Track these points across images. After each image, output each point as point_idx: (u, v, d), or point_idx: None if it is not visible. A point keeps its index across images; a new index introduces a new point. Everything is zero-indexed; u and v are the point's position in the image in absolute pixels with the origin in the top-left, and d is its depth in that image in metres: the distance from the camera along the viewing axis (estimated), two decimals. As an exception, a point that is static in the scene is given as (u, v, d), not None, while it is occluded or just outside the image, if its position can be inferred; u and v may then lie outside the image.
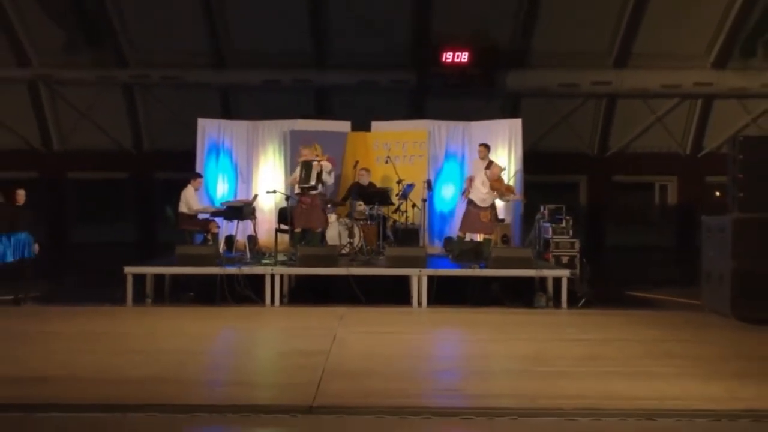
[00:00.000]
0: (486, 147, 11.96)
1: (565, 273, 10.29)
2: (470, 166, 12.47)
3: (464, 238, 11.71)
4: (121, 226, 15.91)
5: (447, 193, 13.41)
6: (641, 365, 6.71)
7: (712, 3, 14.10)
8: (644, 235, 16.29)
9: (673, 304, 10.67)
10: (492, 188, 11.45)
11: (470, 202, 11.62)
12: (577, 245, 11.35)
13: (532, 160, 13.22)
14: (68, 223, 16.26)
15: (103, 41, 14.48)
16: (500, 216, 12.45)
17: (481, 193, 11.48)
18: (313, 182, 11.43)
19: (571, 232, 11.51)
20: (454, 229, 12.64)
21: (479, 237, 11.67)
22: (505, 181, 11.95)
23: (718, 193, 14.85)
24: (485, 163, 11.70)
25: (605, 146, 16.01)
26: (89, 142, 15.83)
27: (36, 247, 10.47)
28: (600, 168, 16.06)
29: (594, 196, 16.21)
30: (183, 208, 11.79)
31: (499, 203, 12.10)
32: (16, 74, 15.01)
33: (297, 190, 11.65)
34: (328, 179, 11.76)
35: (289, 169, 12.82)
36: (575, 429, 4.96)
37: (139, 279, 10.23)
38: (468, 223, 11.65)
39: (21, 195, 10.51)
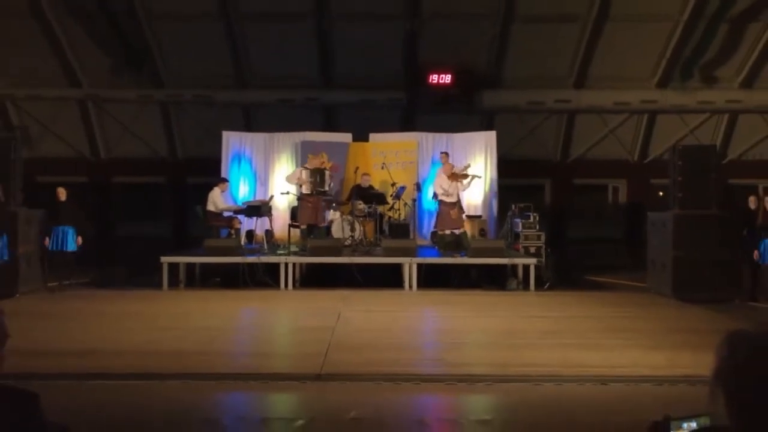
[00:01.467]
0: (446, 154, 12.16)
1: (532, 261, 10.26)
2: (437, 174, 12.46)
3: (442, 234, 11.73)
4: (158, 222, 15.85)
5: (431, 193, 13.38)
6: (596, 338, 6.70)
7: (655, 33, 14.09)
8: (599, 229, 16.29)
9: (624, 287, 10.62)
10: (450, 180, 11.54)
11: (441, 203, 11.69)
12: (543, 237, 11.31)
13: (504, 166, 13.19)
14: (113, 220, 16.20)
15: (142, 66, 14.42)
16: (477, 213, 12.47)
17: (444, 191, 11.55)
18: (327, 188, 11.48)
19: (537, 227, 11.47)
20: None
21: (457, 231, 11.70)
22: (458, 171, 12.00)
23: (661, 193, 14.84)
24: (451, 167, 11.87)
25: (567, 154, 15.99)
26: (131, 151, 15.76)
27: (79, 240, 10.09)
28: (562, 172, 16.04)
29: (557, 196, 16.19)
30: (210, 207, 11.75)
31: (474, 200, 12.17)
32: (69, 94, 14.94)
33: (305, 190, 11.61)
34: (332, 183, 11.86)
35: (301, 173, 12.77)
36: (540, 392, 4.96)
37: (173, 267, 10.19)
38: (440, 221, 11.76)
39: (62, 192, 10.14)
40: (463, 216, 11.85)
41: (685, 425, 1.49)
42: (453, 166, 11.96)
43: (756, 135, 16.10)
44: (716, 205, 9.37)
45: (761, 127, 16.03)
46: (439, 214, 11.82)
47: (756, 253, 8.58)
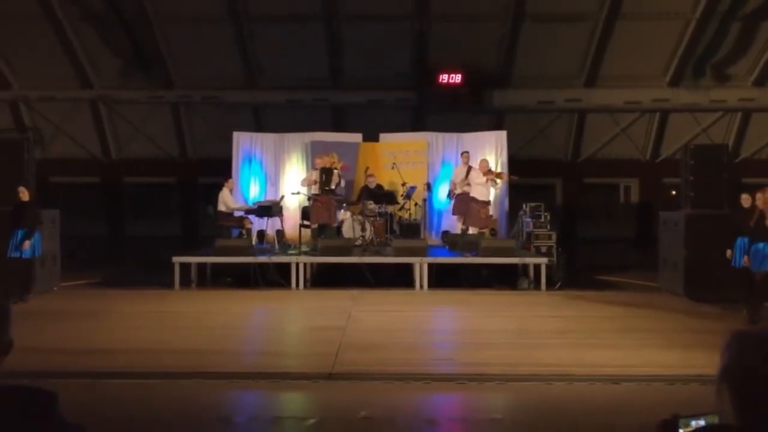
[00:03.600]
0: (467, 154, 12.16)
1: (543, 260, 10.24)
2: (455, 171, 12.47)
3: (467, 230, 11.70)
4: (169, 222, 15.95)
5: (443, 193, 13.39)
6: (607, 337, 6.69)
7: (667, 31, 14.01)
8: (610, 228, 16.21)
9: (635, 286, 10.56)
10: (487, 176, 11.55)
11: (472, 200, 11.59)
12: (554, 237, 11.28)
13: (514, 166, 13.18)
14: (125, 220, 16.33)
15: (153, 67, 14.53)
16: (489, 213, 12.46)
17: (479, 186, 11.52)
18: (333, 186, 11.51)
19: (548, 226, 11.44)
20: (450, 224, 12.65)
21: (476, 230, 11.70)
22: (493, 169, 12.03)
23: (673, 193, 14.77)
24: (466, 167, 11.86)
25: (577, 153, 15.94)
26: (142, 151, 15.88)
27: (26, 245, 8.55)
28: (573, 172, 16.00)
29: (568, 196, 16.15)
30: (221, 207, 11.80)
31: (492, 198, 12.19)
32: (81, 95, 15.08)
33: (315, 191, 11.66)
34: (342, 183, 11.88)
35: (310, 174, 12.82)
36: (551, 392, 4.95)
37: (185, 267, 10.24)
38: (470, 218, 11.66)
39: (24, 192, 8.73)
40: (491, 218, 11.85)
41: (693, 423, 1.50)
42: (487, 161, 12.00)
43: (769, 134, 15.98)
44: (728, 204, 9.31)
45: (775, 125, 15.91)
46: (469, 211, 11.66)
47: (729, 252, 7.96)
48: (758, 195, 7.37)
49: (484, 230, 11.66)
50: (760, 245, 7.23)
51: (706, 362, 5.26)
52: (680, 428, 1.49)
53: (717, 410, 1.46)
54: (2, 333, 1.69)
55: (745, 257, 7.66)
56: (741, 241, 7.85)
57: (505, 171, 12.48)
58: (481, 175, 11.56)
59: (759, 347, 1.37)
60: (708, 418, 1.51)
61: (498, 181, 11.86)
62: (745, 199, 8.05)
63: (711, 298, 8.51)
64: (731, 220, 8.38)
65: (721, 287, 8.26)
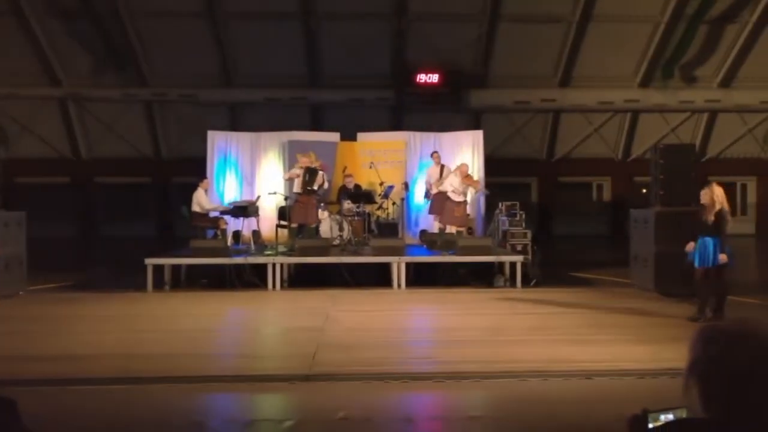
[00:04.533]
0: (438, 153, 12.26)
1: (519, 258, 10.32)
2: (428, 172, 12.55)
3: (444, 229, 11.79)
4: (142, 223, 15.76)
5: (420, 194, 13.44)
6: (581, 333, 6.76)
7: (637, 34, 14.27)
8: (584, 226, 16.44)
9: (608, 282, 10.70)
10: (465, 181, 11.63)
11: (448, 199, 11.71)
12: (530, 235, 11.36)
13: (491, 165, 13.28)
14: (97, 221, 16.08)
15: (126, 64, 14.33)
16: (466, 212, 12.54)
17: (455, 189, 11.64)
18: (315, 187, 11.49)
19: (524, 224, 11.53)
20: (427, 223, 12.70)
21: (453, 229, 11.78)
22: (474, 177, 12.13)
23: (643, 191, 15.04)
24: (439, 167, 11.94)
25: (552, 152, 16.15)
26: (114, 151, 15.67)
27: None
28: (548, 171, 16.19)
29: (543, 194, 16.35)
30: (196, 207, 11.67)
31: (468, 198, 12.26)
32: (49, 93, 14.81)
33: (297, 190, 11.62)
34: (325, 185, 11.86)
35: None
36: (526, 388, 5.00)
37: (159, 269, 10.04)
38: (446, 216, 11.79)
39: None
40: (467, 216, 11.94)
41: (662, 417, 1.54)
42: (467, 166, 12.12)
43: (734, 134, 16.36)
44: (696, 202, 9.48)
45: (739, 125, 16.29)
46: (446, 209, 11.81)
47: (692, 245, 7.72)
48: (704, 191, 7.37)
49: (461, 229, 11.74)
50: (707, 239, 7.23)
51: (675, 356, 5.38)
52: (650, 423, 1.52)
53: (685, 404, 1.50)
54: None
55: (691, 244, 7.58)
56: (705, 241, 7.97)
57: (482, 179, 12.61)
58: (459, 179, 11.64)
59: (725, 342, 1.40)
60: (677, 412, 1.54)
61: (472, 190, 11.96)
62: (705, 195, 8.09)
63: (680, 294, 8.66)
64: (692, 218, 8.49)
65: (690, 283, 8.40)
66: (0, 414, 1.59)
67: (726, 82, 15.15)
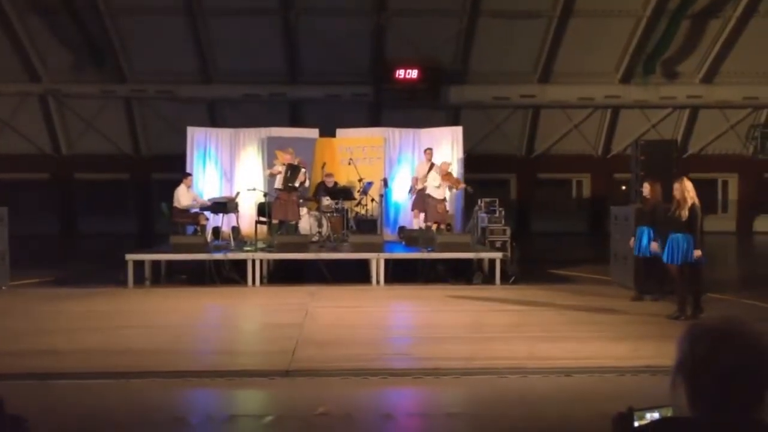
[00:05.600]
0: (431, 151, 12.17)
1: (498, 255, 10.34)
2: (417, 168, 12.58)
3: (428, 226, 11.79)
4: (122, 219, 15.57)
5: (402, 188, 13.43)
6: (561, 330, 6.78)
7: (618, 29, 14.35)
8: (563, 223, 16.53)
9: (587, 279, 10.73)
10: (444, 180, 11.62)
11: (428, 196, 11.72)
12: (509, 232, 11.39)
13: (470, 161, 13.30)
14: (77, 217, 15.87)
15: (105, 61, 14.14)
16: (446, 208, 12.56)
17: (435, 187, 11.63)
18: (297, 184, 11.44)
19: (503, 221, 11.57)
20: (406, 220, 12.71)
21: (434, 226, 11.80)
22: (454, 175, 12.14)
23: (623, 188, 15.16)
24: (429, 164, 11.94)
25: (531, 149, 16.22)
26: (94, 147, 15.47)
27: None
28: (527, 167, 16.26)
29: (522, 191, 16.43)
30: (176, 203, 11.58)
31: (440, 196, 12.26)
32: (29, 89, 14.59)
33: (278, 186, 11.57)
34: (306, 182, 11.82)
35: (267, 169, 12.69)
36: (506, 385, 5.00)
37: (139, 264, 9.98)
38: (430, 213, 11.83)
39: None
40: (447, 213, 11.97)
41: (648, 416, 1.52)
42: (449, 164, 12.18)
43: (716, 130, 16.53)
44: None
45: (721, 121, 16.47)
46: (428, 207, 11.89)
47: (632, 240, 8.19)
48: (675, 185, 7.27)
49: (441, 225, 11.78)
50: (679, 236, 7.15)
51: (656, 353, 5.42)
52: (635, 421, 1.51)
53: (672, 403, 1.48)
54: None
55: (654, 244, 7.74)
56: (641, 231, 8.12)
57: (461, 175, 12.64)
58: (439, 177, 11.67)
59: (711, 340, 1.38)
60: (663, 410, 1.53)
61: (453, 189, 11.98)
62: (644, 188, 8.29)
63: (660, 291, 8.73)
64: (636, 210, 8.57)
65: (669, 280, 8.47)
66: None
67: (708, 78, 15.28)
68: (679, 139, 15.46)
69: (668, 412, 1.52)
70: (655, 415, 1.52)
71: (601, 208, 14.91)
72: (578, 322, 7.25)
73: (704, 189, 16.61)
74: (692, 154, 16.40)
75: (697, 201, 7.17)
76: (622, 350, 5.85)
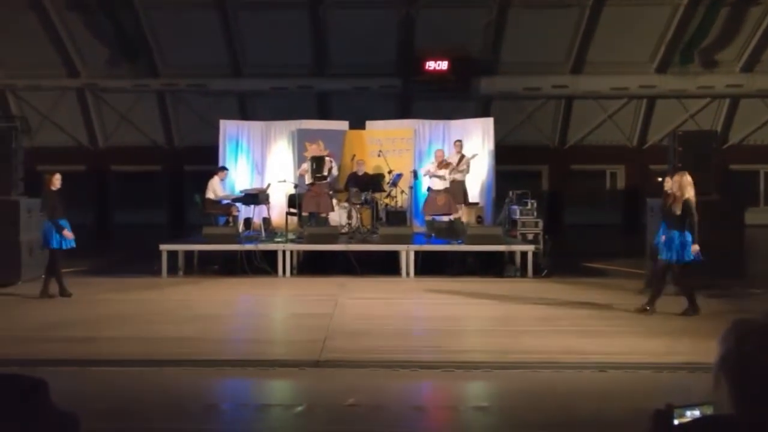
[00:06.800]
0: (460, 142, 12.13)
1: (530, 248, 10.23)
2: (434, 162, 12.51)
3: (430, 219, 11.77)
4: (156, 210, 15.80)
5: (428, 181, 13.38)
6: (594, 325, 6.68)
7: (654, 17, 13.99)
8: (597, 215, 16.24)
9: (621, 273, 10.56)
10: (440, 169, 11.55)
11: (428, 189, 11.80)
12: (541, 224, 11.25)
13: (501, 153, 13.13)
14: (112, 208, 16.19)
15: (139, 56, 14.36)
16: (474, 200, 12.44)
17: (434, 179, 11.65)
18: (325, 173, 11.49)
19: (535, 213, 11.42)
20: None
21: (464, 217, 11.74)
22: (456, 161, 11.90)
23: (659, 179, 14.83)
24: (459, 156, 11.86)
25: (564, 140, 15.95)
26: (128, 140, 15.72)
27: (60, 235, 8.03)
28: (559, 158, 16.01)
29: (555, 182, 16.18)
30: (209, 194, 11.73)
31: (471, 187, 12.19)
32: (67, 84, 14.91)
33: (308, 180, 11.63)
34: (334, 171, 11.83)
35: (297, 161, 12.73)
36: (538, 379, 4.94)
37: (172, 255, 10.15)
38: (426, 205, 11.83)
39: (58, 179, 8.24)
40: (455, 203, 11.80)
41: (688, 413, 1.46)
42: (441, 150, 12.15)
43: (757, 119, 16.03)
44: (717, 191, 9.31)
45: (762, 111, 15.96)
46: (426, 200, 11.96)
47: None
48: (675, 178, 7.08)
49: (453, 216, 11.68)
50: (675, 233, 6.93)
51: (692, 349, 5.29)
52: (675, 418, 1.45)
53: (713, 400, 1.43)
54: None
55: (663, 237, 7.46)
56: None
57: (491, 167, 12.52)
58: (435, 166, 11.65)
59: (758, 337, 1.33)
60: (703, 408, 1.47)
61: (458, 168, 11.68)
62: (666, 182, 7.96)
63: (697, 286, 8.52)
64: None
65: (708, 274, 8.26)
66: (32, 394, 1.61)
67: (748, 67, 14.81)
68: (719, 129, 15.02)
69: (709, 410, 1.46)
70: (696, 413, 1.46)
71: (636, 200, 14.61)
72: (612, 316, 7.12)
73: (746, 180, 16.18)
74: (732, 145, 15.95)
75: (692, 197, 6.89)
76: (657, 346, 5.73)
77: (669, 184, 7.71)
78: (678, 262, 6.98)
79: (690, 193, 6.93)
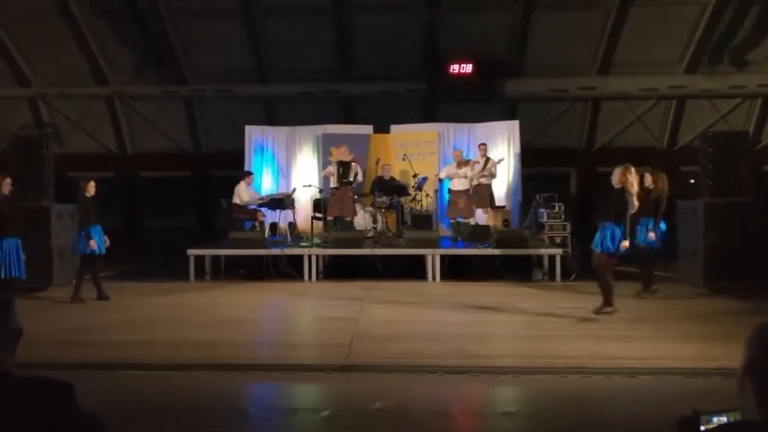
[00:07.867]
0: (485, 146, 12.07)
1: (558, 251, 10.13)
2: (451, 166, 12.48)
3: (454, 221, 11.76)
4: (183, 215, 16.00)
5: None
6: (624, 329, 6.58)
7: (683, 16, 13.76)
8: (626, 218, 15.97)
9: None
10: (459, 167, 11.58)
11: (449, 191, 11.83)
12: (569, 227, 11.16)
13: (528, 156, 13.03)
14: (141, 213, 16.43)
15: (166, 62, 14.56)
16: (501, 203, 12.36)
17: (455, 180, 11.67)
18: (351, 178, 11.54)
19: (563, 216, 11.33)
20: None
21: (490, 221, 11.69)
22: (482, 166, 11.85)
23: (691, 181, 14.56)
24: (484, 159, 11.82)
25: (592, 142, 15.75)
26: (156, 146, 15.94)
27: (92, 244, 8.23)
28: (587, 161, 15.80)
29: (582, 185, 15.98)
30: (236, 199, 11.86)
31: (498, 190, 12.12)
32: (96, 91, 15.19)
33: (334, 184, 11.69)
34: (359, 177, 11.89)
35: (322, 165, 12.82)
36: (566, 385, 4.88)
37: (200, 259, 10.28)
38: (448, 208, 11.89)
39: (92, 186, 8.47)
40: (476, 208, 11.75)
41: (715, 420, 1.44)
42: (460, 151, 12.22)
43: (790, 120, 15.65)
44: (749, 193, 9.14)
45: (796, 112, 15.58)
46: (447, 202, 12.01)
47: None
48: (647, 176, 7.57)
49: (467, 220, 11.62)
50: (610, 224, 7.22)
51: (725, 354, 5.16)
52: (702, 425, 1.43)
53: (739, 406, 1.40)
54: (6, 324, 1.71)
55: (651, 233, 8.05)
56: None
57: (518, 170, 12.46)
58: (455, 167, 11.63)
59: None
60: (730, 414, 1.45)
61: (483, 171, 11.61)
62: (646, 178, 8.22)
63: (730, 289, 8.37)
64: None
65: (740, 278, 8.11)
66: (58, 398, 1.65)
67: (781, 66, 14.50)
68: (751, 130, 14.70)
69: (736, 416, 1.44)
70: (723, 420, 1.44)
71: (666, 202, 14.35)
72: (642, 320, 7.01)
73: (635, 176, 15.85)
74: (765, 146, 15.59)
75: (632, 190, 7.03)
76: (690, 351, 5.62)
77: (649, 180, 8.35)
78: (611, 253, 7.12)
79: (633, 186, 7.11)
